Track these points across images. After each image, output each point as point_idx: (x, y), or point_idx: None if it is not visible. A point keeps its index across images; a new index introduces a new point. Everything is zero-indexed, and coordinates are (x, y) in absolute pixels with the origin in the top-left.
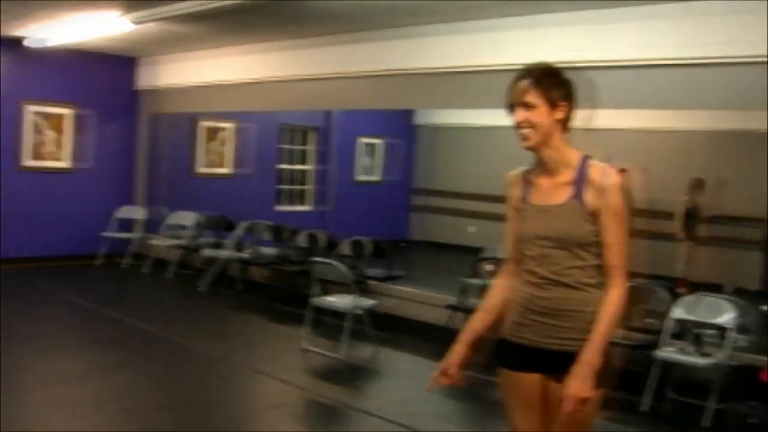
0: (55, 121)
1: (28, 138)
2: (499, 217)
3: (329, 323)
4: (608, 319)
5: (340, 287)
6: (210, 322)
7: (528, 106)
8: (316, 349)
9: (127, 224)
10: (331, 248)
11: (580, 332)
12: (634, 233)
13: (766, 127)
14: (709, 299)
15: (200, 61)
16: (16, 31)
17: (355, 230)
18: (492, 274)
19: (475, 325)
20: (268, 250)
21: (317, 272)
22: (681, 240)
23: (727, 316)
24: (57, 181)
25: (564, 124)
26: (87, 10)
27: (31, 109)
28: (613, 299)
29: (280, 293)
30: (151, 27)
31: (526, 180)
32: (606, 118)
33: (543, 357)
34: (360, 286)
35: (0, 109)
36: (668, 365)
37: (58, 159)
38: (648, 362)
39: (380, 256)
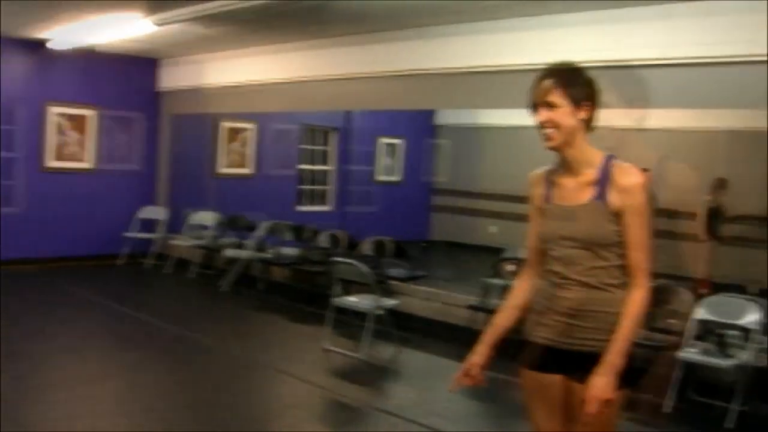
0: (78, 123)
1: (51, 139)
2: (520, 218)
3: (350, 323)
4: (631, 320)
5: (361, 287)
6: (232, 322)
7: (551, 106)
8: (337, 349)
9: (149, 224)
10: (352, 248)
11: (603, 333)
12: (655, 233)
13: None
14: (733, 300)
15: (222, 62)
16: (40, 34)
17: (375, 230)
18: (513, 274)
19: (498, 325)
20: (290, 251)
21: (338, 272)
22: (704, 240)
23: (751, 317)
24: (80, 181)
25: (587, 123)
26: (110, 12)
27: (54, 111)
28: (636, 300)
29: (301, 293)
30: (173, 28)
31: (549, 180)
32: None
33: (566, 357)
34: (381, 286)
35: (24, 110)
36: (691, 366)
37: (80, 160)
38: (670, 363)
39: (401, 256)
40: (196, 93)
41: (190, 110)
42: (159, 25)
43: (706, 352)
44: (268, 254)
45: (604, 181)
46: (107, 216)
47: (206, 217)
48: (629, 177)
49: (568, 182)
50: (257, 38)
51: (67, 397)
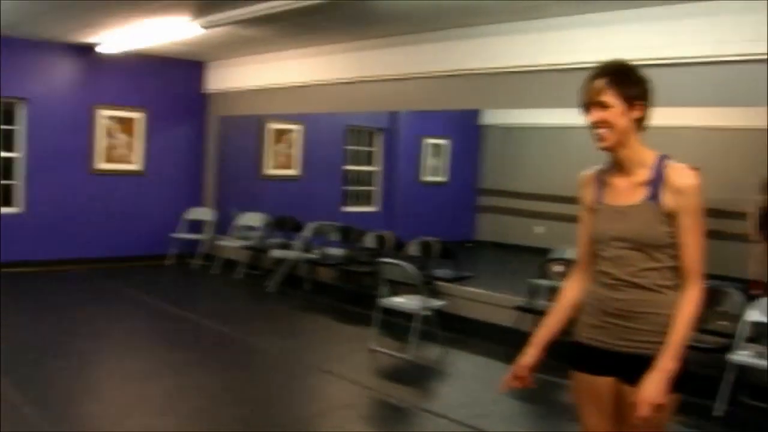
0: (127, 125)
1: (100, 142)
2: (566, 218)
3: (397, 324)
4: (684, 323)
5: (408, 288)
6: (279, 323)
7: (604, 106)
8: (383, 350)
9: (196, 225)
10: (398, 249)
11: (655, 335)
12: (706, 234)
13: None
14: None
15: (267, 63)
16: (88, 38)
17: (421, 231)
18: (561, 275)
19: (548, 327)
20: (336, 251)
21: (385, 273)
22: (755, 241)
23: None
24: (128, 183)
25: (640, 123)
26: (157, 16)
27: (103, 114)
28: (689, 302)
29: (347, 294)
30: (220, 31)
31: (600, 180)
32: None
33: (617, 360)
34: (428, 287)
35: (74, 113)
36: (743, 369)
37: (129, 162)
38: (721, 366)
39: (448, 257)
40: (243, 95)
41: (236, 112)
42: (206, 28)
43: (758, 355)
44: (314, 255)
45: (657, 181)
46: (155, 217)
47: (253, 218)
48: (684, 178)
49: (620, 182)
50: (303, 40)
51: (117, 395)
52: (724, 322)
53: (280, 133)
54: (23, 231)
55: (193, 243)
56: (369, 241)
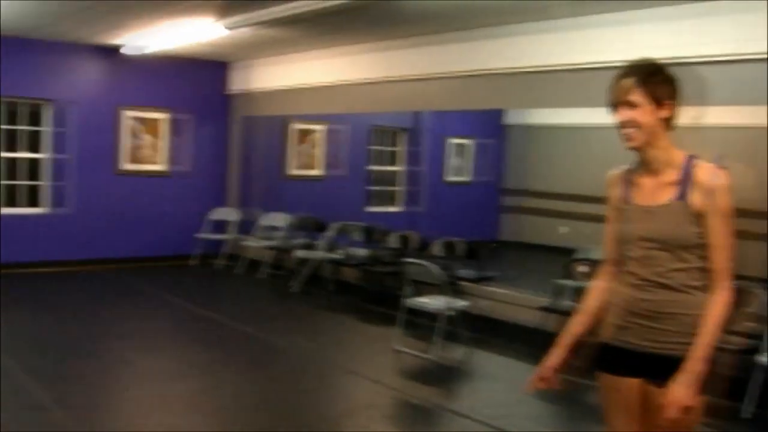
0: (151, 126)
1: (125, 142)
2: (591, 218)
3: (421, 324)
4: (714, 324)
5: (432, 288)
6: (303, 323)
7: (632, 105)
8: (408, 350)
9: (220, 226)
10: (422, 249)
11: (683, 336)
12: (734, 234)
13: None
14: None
15: (291, 64)
16: (114, 40)
17: (445, 231)
18: (586, 275)
19: (574, 328)
20: (360, 251)
21: (410, 273)
22: None
23: None
24: (153, 183)
25: (669, 122)
26: (182, 17)
27: (128, 115)
28: (718, 303)
29: (371, 294)
30: (244, 32)
31: (628, 180)
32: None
33: (644, 361)
34: (452, 287)
35: (99, 114)
36: None
37: (154, 162)
38: (750, 367)
39: (473, 257)
40: (266, 95)
41: (260, 112)
42: (230, 29)
43: None
44: (338, 255)
45: (685, 181)
46: (179, 217)
47: (277, 219)
48: (713, 178)
49: (647, 182)
50: (326, 40)
51: (143, 394)
52: (753, 324)
53: (304, 134)
54: (49, 231)
55: (217, 243)
56: (393, 241)
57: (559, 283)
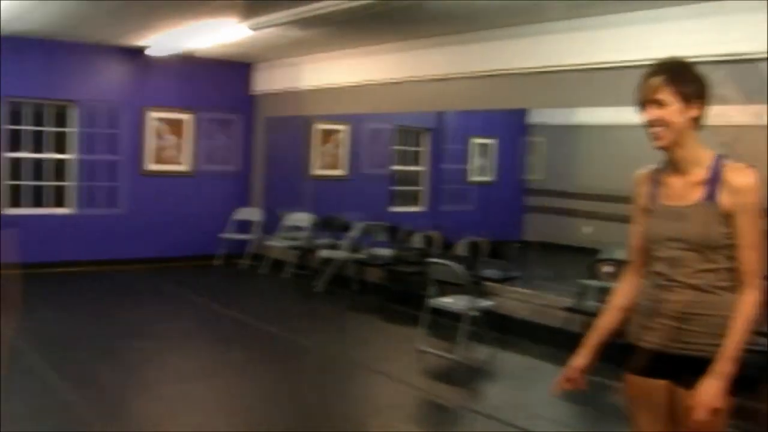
0: (176, 126)
1: (150, 143)
2: (616, 218)
3: (445, 324)
4: (743, 325)
5: (456, 288)
6: (327, 322)
7: (660, 104)
8: (432, 350)
9: (245, 226)
10: (446, 249)
11: (711, 337)
12: (764, 234)
13: None
14: None
15: (315, 64)
16: (138, 42)
17: (469, 231)
18: (611, 275)
19: (601, 329)
20: (384, 251)
21: (434, 273)
22: None
23: None
24: (177, 184)
25: (697, 121)
26: (206, 19)
27: (152, 116)
28: (748, 304)
29: (395, 294)
30: (268, 32)
31: (655, 179)
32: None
33: (671, 362)
34: (476, 287)
35: (124, 115)
36: None
37: (178, 163)
38: None
39: (497, 257)
40: (290, 95)
41: (284, 112)
42: (254, 29)
43: None
44: (362, 255)
45: (714, 181)
46: (204, 217)
47: (301, 218)
48: (742, 177)
49: (675, 182)
50: (350, 40)
51: (168, 394)
52: None
53: (327, 134)
54: (75, 231)
55: (242, 243)
56: (417, 241)
57: (583, 283)
